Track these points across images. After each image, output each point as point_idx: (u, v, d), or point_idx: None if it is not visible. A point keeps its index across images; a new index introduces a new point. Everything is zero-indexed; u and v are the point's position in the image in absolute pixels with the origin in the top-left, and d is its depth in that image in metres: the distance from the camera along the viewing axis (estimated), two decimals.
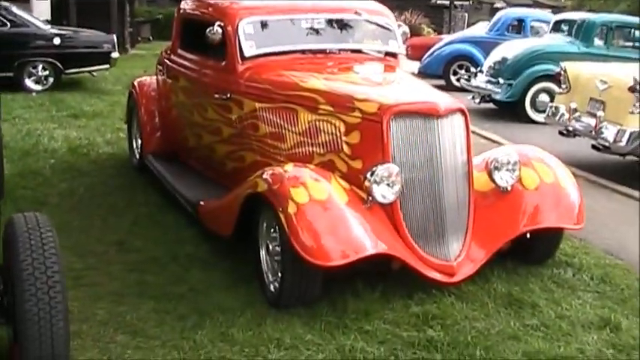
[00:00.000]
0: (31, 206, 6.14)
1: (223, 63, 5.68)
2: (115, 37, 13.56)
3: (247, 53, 5.54)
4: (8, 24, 12.29)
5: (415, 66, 15.86)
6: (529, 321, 4.25)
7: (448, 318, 4.21)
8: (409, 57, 12.49)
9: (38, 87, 12.51)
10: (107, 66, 13.21)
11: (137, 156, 7.40)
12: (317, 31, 5.87)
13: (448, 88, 14.38)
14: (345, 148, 4.66)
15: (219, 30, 5.52)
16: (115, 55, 13.18)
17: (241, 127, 5.47)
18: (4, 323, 3.19)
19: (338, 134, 4.71)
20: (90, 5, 18.04)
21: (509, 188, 4.81)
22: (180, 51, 6.65)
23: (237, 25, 5.56)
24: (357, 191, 4.40)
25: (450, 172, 4.56)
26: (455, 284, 4.50)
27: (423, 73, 15.15)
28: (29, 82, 12.47)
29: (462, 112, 4.71)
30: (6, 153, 7.86)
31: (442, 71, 15.96)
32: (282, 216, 4.14)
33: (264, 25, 5.74)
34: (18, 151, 8.10)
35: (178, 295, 4.45)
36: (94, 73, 13.36)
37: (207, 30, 5.52)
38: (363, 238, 4.19)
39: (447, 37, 18.30)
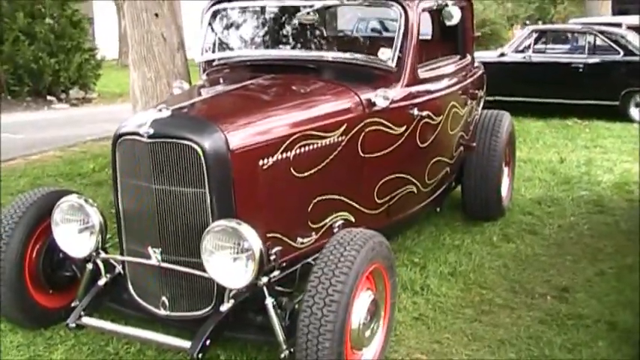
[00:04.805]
0: (516, 232, 6.05)
1: None
2: None
3: None
4: (621, 52, 11.99)
5: None
6: None
7: None
8: None
9: None
10: None
11: None
12: None
13: None
14: None
15: None
16: None
17: None
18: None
19: None
20: None
21: None
22: None
23: None
24: None
25: None
26: None
27: None
28: (634, 112, 12.00)
29: None
30: (548, 177, 7.89)
31: None
32: None
33: None
34: (561, 177, 7.99)
35: None
36: None
37: None
38: None
39: None
